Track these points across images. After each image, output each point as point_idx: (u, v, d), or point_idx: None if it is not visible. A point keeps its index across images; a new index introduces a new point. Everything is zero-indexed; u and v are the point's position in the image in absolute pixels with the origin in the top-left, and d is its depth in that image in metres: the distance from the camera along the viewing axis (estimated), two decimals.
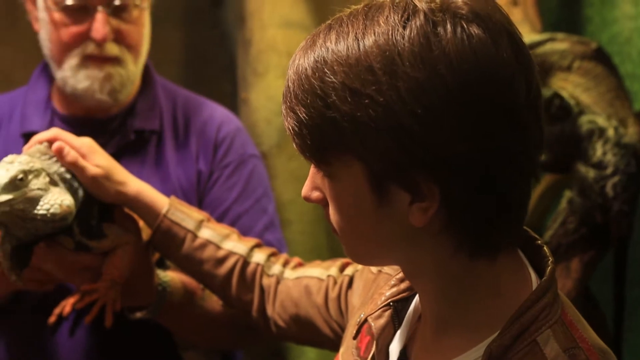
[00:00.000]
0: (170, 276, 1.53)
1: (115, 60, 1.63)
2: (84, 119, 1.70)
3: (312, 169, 0.99)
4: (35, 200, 1.31)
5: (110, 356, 1.61)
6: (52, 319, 1.53)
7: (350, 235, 0.97)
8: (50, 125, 1.66)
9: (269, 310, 1.43)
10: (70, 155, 1.37)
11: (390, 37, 0.88)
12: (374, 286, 1.17)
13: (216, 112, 1.79)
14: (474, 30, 0.88)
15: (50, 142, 1.39)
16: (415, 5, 0.90)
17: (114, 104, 1.66)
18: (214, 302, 1.55)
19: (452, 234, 0.92)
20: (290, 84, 0.94)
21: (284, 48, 2.25)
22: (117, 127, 1.69)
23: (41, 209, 1.31)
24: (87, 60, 1.62)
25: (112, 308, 1.43)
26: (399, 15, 0.89)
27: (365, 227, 0.95)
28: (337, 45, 0.90)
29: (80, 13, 1.61)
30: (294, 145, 0.96)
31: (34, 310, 1.59)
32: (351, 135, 0.89)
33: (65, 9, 1.61)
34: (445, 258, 0.94)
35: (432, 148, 0.88)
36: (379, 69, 0.88)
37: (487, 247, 0.93)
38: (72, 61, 1.62)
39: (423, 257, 0.95)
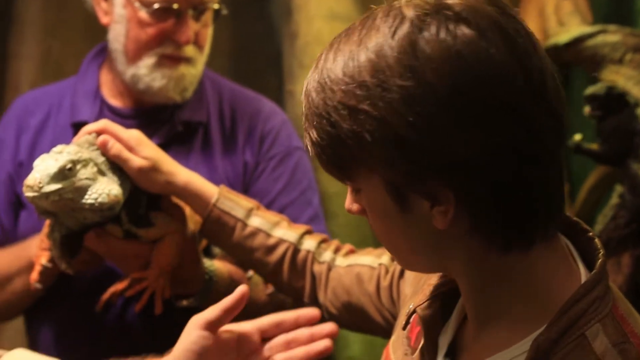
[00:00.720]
0: (217, 265, 1.54)
1: (189, 61, 1.66)
2: (132, 109, 1.72)
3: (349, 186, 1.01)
4: (83, 190, 1.32)
5: (155, 342, 1.63)
6: (100, 304, 1.55)
7: (388, 243, 1.00)
8: (99, 115, 1.69)
9: (321, 297, 1.43)
10: (114, 148, 1.39)
11: (381, 49, 0.89)
12: (424, 276, 1.16)
13: (262, 104, 1.80)
14: (461, 30, 0.88)
15: (99, 133, 1.41)
16: (403, 13, 0.90)
17: (182, 101, 1.69)
18: (259, 291, 1.56)
19: (479, 233, 0.92)
20: (303, 107, 0.96)
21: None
22: (165, 118, 1.71)
23: (89, 198, 1.32)
24: (163, 60, 1.65)
25: (161, 296, 1.44)
26: (388, 26, 0.90)
27: (397, 234, 0.97)
28: (335, 65, 0.92)
29: (166, 14, 1.62)
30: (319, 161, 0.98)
31: (81, 297, 1.62)
32: (358, 151, 0.91)
33: (155, 11, 1.62)
34: (477, 257, 0.94)
35: (434, 155, 0.88)
36: (372, 83, 0.89)
37: (519, 241, 0.92)
38: (149, 60, 1.65)
39: (455, 258, 0.96)
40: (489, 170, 0.88)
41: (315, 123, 0.93)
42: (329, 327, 1.24)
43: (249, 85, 1.92)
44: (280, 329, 1.24)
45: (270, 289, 1.58)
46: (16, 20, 2.50)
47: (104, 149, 1.38)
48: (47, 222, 1.48)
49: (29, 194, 1.29)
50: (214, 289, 1.51)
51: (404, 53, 0.88)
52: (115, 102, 1.73)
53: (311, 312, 1.23)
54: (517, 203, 0.90)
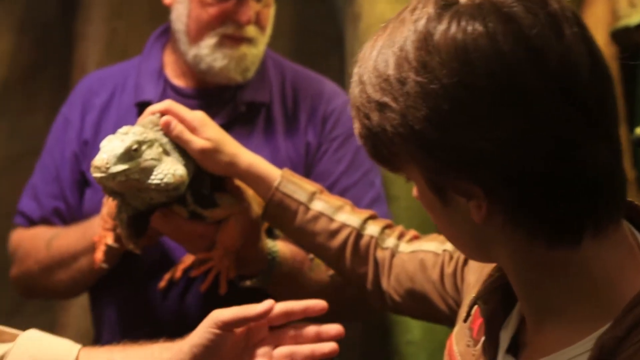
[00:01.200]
0: (279, 246, 1.54)
1: (250, 41, 1.66)
2: (195, 90, 1.73)
3: None
4: (149, 171, 1.33)
5: None
6: (163, 283, 1.57)
7: (442, 231, 0.99)
8: (163, 95, 1.70)
9: (384, 284, 1.41)
10: (177, 129, 1.39)
11: (403, 44, 0.90)
12: (488, 265, 1.13)
13: (325, 85, 1.80)
14: (472, 25, 0.86)
15: (163, 113, 1.42)
16: (426, 7, 0.90)
17: (243, 81, 1.69)
18: (322, 273, 1.56)
19: (519, 226, 0.90)
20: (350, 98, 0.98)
21: None
22: (228, 99, 1.71)
23: (155, 178, 1.33)
24: (225, 40, 1.66)
25: (225, 276, 1.45)
26: (412, 21, 0.91)
27: (445, 225, 0.96)
28: (369, 59, 0.93)
29: None
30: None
31: (144, 276, 1.64)
32: (391, 145, 0.91)
33: None
34: (521, 250, 0.91)
35: (454, 151, 0.87)
36: (394, 78, 0.89)
37: (563, 235, 0.89)
38: (210, 40, 1.66)
39: (500, 251, 0.94)
40: (509, 164, 0.86)
41: (356, 115, 0.95)
42: (336, 328, 1.23)
43: (311, 67, 1.91)
44: (289, 318, 1.23)
45: (331, 270, 1.58)
46: (83, 2, 2.54)
47: (166, 130, 1.39)
48: (107, 203, 1.50)
49: (96, 174, 1.30)
50: (276, 270, 1.52)
51: (420, 49, 0.88)
52: (178, 82, 1.74)
53: (319, 303, 1.23)
54: (550, 196, 0.87)
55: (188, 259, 1.59)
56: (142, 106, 1.64)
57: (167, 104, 1.43)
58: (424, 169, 0.91)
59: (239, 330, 1.19)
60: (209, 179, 1.43)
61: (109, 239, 1.52)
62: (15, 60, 2.64)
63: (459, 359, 1.09)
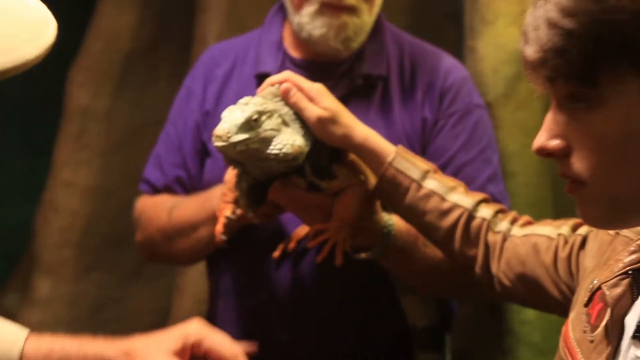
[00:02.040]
0: (395, 220, 1.54)
1: (351, 10, 1.65)
2: (313, 62, 1.73)
3: (552, 115, 0.94)
4: (268, 141, 1.35)
5: (330, 293, 1.66)
6: (277, 253, 1.60)
7: (607, 182, 0.91)
8: (281, 67, 1.71)
9: (494, 268, 1.38)
10: (295, 96, 1.41)
11: None
12: (609, 249, 1.09)
13: (443, 59, 1.77)
14: None
15: (282, 84, 1.43)
16: None
17: (346, 52, 1.69)
18: (436, 249, 1.55)
19: None
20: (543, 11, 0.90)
21: None
22: (345, 72, 1.71)
23: (274, 148, 1.35)
24: (325, 8, 1.65)
25: (342, 247, 1.46)
26: None
27: (633, 165, 0.88)
28: None
29: None
30: (549, 72, 0.90)
31: (259, 246, 1.67)
32: (634, 41, 0.83)
33: None
34: None
35: None
36: None
37: None
38: (310, 8, 1.65)
39: None
40: None
41: (579, 9, 0.87)
42: None
43: (427, 41, 1.88)
44: None
45: None
46: None
47: (285, 97, 1.41)
48: (229, 176, 1.53)
49: (218, 143, 1.33)
50: (391, 243, 1.52)
51: None
52: (296, 54, 1.75)
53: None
54: None
55: (302, 230, 1.61)
56: (261, 78, 1.66)
57: (286, 74, 1.45)
58: None
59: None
60: (327, 150, 1.44)
61: (228, 211, 1.55)
62: (139, 34, 2.72)
63: (575, 345, 1.06)
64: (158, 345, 1.20)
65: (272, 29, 1.79)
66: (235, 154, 1.35)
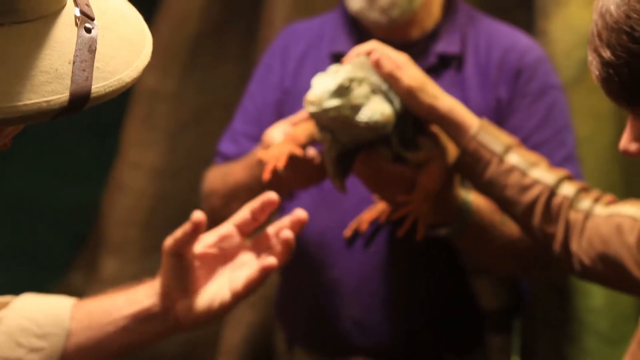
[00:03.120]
0: (472, 196, 1.53)
1: None
2: (387, 41, 1.72)
3: (631, 119, 0.95)
4: (358, 108, 1.36)
5: (400, 273, 1.66)
6: (349, 232, 1.60)
7: None
8: (355, 45, 1.72)
9: (574, 246, 1.37)
10: (388, 65, 1.41)
11: None
12: None
13: (520, 39, 1.76)
14: None
15: (369, 54, 1.43)
16: None
17: (391, 23, 1.68)
18: (513, 227, 1.53)
19: None
20: (593, 26, 0.92)
21: None
22: (420, 50, 1.71)
23: (364, 116, 1.36)
24: None
25: (424, 221, 1.46)
26: None
27: None
28: None
29: None
30: (606, 94, 0.93)
31: (330, 224, 1.68)
32: None
33: None
34: None
35: None
36: None
37: None
38: None
39: None
40: None
41: (611, 40, 0.89)
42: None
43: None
44: (256, 219, 1.25)
45: None
46: None
47: (377, 67, 1.41)
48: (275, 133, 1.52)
49: (310, 109, 1.35)
50: (469, 220, 1.51)
51: None
52: (370, 34, 1.75)
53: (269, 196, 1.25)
54: None
55: (373, 211, 1.61)
56: (337, 57, 1.67)
57: (373, 44, 1.46)
58: None
59: (201, 249, 1.24)
60: (411, 121, 1.44)
61: (298, 150, 1.49)
62: (207, 16, 2.74)
63: None
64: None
65: (344, 9, 1.80)
66: (326, 120, 1.36)
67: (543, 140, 1.65)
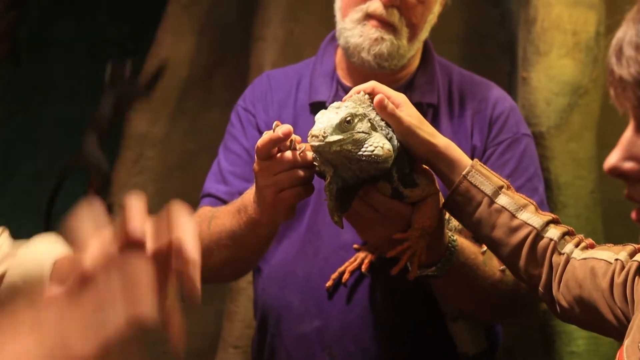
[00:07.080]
0: (456, 236, 1.54)
1: (392, 28, 1.69)
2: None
3: (630, 136, 0.94)
4: (360, 142, 1.37)
5: (379, 321, 1.67)
6: (330, 283, 1.62)
7: None
8: (335, 95, 1.76)
9: (554, 289, 1.39)
10: (390, 106, 1.42)
11: None
12: None
13: (491, 90, 1.80)
14: None
15: (367, 93, 1.45)
16: None
17: (378, 69, 1.71)
18: (494, 267, 1.55)
19: None
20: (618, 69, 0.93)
21: (569, 27, 2.18)
22: None
23: (366, 150, 1.37)
24: (368, 19, 1.69)
25: (418, 259, 1.45)
26: None
27: None
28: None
29: None
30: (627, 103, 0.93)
31: (314, 270, 1.70)
32: None
33: None
34: None
35: None
36: None
37: None
38: (355, 15, 1.70)
39: None
40: None
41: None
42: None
43: (480, 71, 1.91)
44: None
45: (502, 265, 1.56)
46: (261, 5, 2.64)
47: (379, 107, 1.42)
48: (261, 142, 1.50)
49: (314, 143, 1.35)
50: (455, 259, 1.51)
51: None
52: (349, 83, 1.79)
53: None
54: None
55: (354, 261, 1.65)
56: (315, 106, 1.70)
57: (373, 83, 1.47)
58: None
59: None
60: (406, 159, 1.46)
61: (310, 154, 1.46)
62: (195, 61, 2.78)
63: None
64: None
65: (325, 57, 1.83)
66: (329, 154, 1.38)
67: (515, 187, 1.67)
